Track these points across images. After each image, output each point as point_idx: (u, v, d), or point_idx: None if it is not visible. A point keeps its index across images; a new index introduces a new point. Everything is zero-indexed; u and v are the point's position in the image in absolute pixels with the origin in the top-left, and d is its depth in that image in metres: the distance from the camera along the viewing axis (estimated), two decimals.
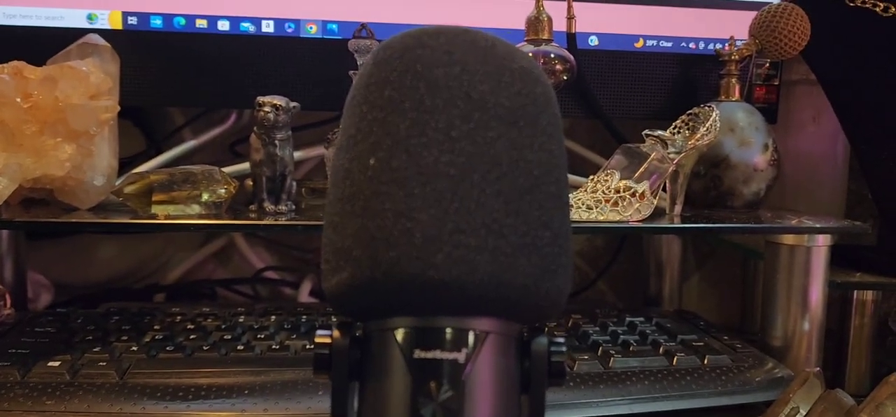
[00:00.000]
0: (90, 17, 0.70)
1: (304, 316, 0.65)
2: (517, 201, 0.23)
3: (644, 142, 0.63)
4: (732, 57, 0.73)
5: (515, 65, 0.24)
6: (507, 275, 0.22)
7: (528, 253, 0.23)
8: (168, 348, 0.55)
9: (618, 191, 0.60)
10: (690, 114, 0.67)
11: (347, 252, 0.23)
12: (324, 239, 0.25)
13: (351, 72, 0.64)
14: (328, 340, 0.24)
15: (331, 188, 0.25)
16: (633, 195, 0.60)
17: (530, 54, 0.64)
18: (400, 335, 0.23)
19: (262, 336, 0.59)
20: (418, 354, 0.23)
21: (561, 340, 0.25)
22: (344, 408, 0.24)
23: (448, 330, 0.23)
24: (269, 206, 0.60)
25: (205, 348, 0.56)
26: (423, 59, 0.23)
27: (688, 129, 0.67)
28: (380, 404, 0.23)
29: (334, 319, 0.64)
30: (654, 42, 0.77)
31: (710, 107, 0.66)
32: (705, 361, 0.58)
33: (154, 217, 0.56)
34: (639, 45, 0.77)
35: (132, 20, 0.70)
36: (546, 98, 0.25)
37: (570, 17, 0.71)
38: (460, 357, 0.23)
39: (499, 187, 0.23)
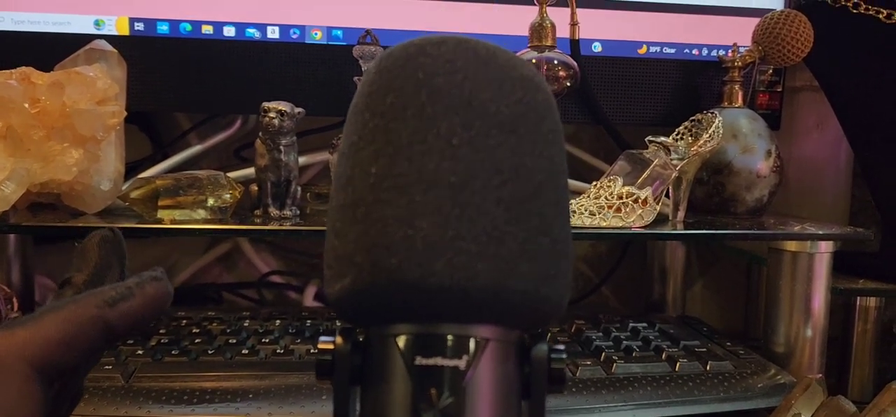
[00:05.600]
0: (97, 23, 0.70)
1: (309, 321, 0.65)
2: (518, 208, 0.23)
3: (647, 148, 0.63)
4: (735, 63, 0.73)
5: (516, 73, 0.25)
6: (508, 281, 0.23)
7: (528, 259, 0.23)
8: (173, 352, 0.55)
9: (621, 197, 0.60)
10: (693, 120, 0.68)
11: (349, 258, 0.23)
12: (326, 245, 0.25)
13: (355, 77, 0.65)
14: (331, 346, 0.24)
15: (333, 194, 0.25)
16: (636, 201, 0.60)
17: (534, 60, 0.65)
18: (401, 341, 0.23)
19: (267, 340, 0.59)
20: (419, 361, 0.23)
21: (561, 347, 0.25)
22: (345, 413, 0.24)
23: (449, 337, 0.23)
24: (274, 211, 0.60)
25: (210, 352, 0.56)
26: (426, 67, 0.24)
27: (691, 136, 0.67)
28: (381, 409, 0.23)
29: (338, 324, 0.65)
30: (658, 48, 0.78)
31: (713, 113, 0.66)
32: (708, 367, 0.58)
33: (160, 221, 0.56)
34: (642, 51, 0.77)
35: (139, 26, 0.71)
36: (547, 105, 0.25)
37: (574, 24, 0.71)
38: (461, 363, 0.23)
39: (499, 194, 0.23)
